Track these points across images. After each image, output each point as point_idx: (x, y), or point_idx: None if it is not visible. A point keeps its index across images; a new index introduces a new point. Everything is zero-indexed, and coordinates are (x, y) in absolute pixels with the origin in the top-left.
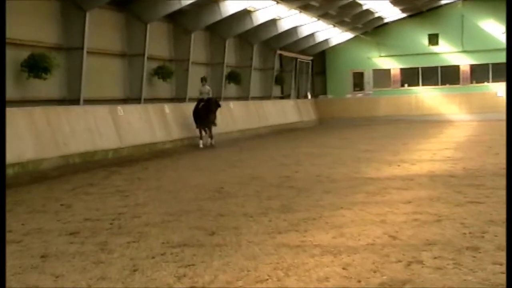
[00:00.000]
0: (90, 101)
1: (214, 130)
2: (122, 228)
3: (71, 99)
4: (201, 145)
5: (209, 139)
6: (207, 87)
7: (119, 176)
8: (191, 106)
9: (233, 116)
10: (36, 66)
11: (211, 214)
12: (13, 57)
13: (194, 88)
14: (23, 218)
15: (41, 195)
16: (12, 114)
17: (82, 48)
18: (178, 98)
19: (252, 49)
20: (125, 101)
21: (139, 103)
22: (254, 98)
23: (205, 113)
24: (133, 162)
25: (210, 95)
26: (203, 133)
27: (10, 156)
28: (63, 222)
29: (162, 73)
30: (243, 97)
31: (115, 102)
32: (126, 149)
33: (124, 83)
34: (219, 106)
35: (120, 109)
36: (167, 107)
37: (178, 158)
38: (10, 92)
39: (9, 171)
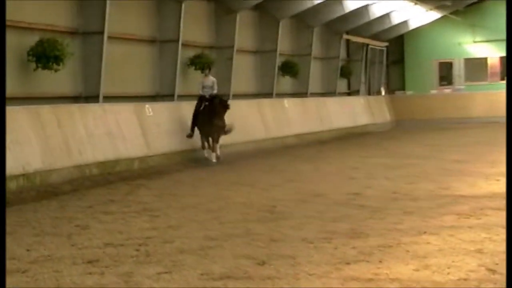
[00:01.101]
0: (110, 98)
1: (226, 139)
2: (150, 256)
3: (88, 96)
4: (211, 158)
5: (212, 153)
6: (211, 79)
7: (146, 191)
8: (237, 103)
9: (288, 117)
10: (45, 55)
11: (262, 239)
12: (18, 43)
13: (239, 81)
14: (29, 243)
15: (51, 215)
16: (15, 114)
17: (102, 33)
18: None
19: (311, 33)
20: (154, 98)
21: (172, 100)
22: (314, 94)
23: (208, 117)
24: (163, 174)
25: (215, 91)
26: (206, 144)
27: (13, 166)
28: (78, 248)
29: (199, 63)
30: (301, 93)
31: (141, 100)
32: (155, 158)
33: (154, 76)
34: (226, 107)
35: (148, 108)
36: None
37: (220, 169)
38: (13, 87)
39: (12, 185)
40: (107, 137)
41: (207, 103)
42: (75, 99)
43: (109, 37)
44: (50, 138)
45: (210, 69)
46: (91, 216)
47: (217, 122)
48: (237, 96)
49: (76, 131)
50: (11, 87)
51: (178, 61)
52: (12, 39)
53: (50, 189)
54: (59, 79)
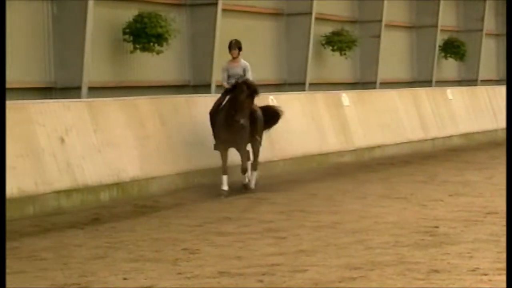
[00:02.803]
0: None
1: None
2: None
3: (197, 84)
4: (224, 187)
5: (245, 176)
6: (242, 64)
7: (269, 206)
8: (385, 94)
9: (452, 111)
10: (145, 33)
11: (419, 269)
12: (111, 19)
13: (388, 65)
14: (126, 270)
15: (152, 235)
16: (106, 108)
17: (215, 4)
18: (364, 83)
19: (483, 3)
20: (279, 86)
21: (302, 89)
22: (485, 82)
23: (226, 115)
24: (292, 184)
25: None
26: (227, 160)
27: (105, 174)
28: (187, 277)
29: (338, 42)
30: (469, 80)
31: (264, 89)
32: (280, 163)
33: (279, 59)
34: (254, 93)
35: (273, 99)
36: (346, 97)
37: (366, 179)
38: (104, 74)
39: (103, 197)
40: None
41: (230, 97)
42: (181, 88)
43: (224, 10)
44: (149, 138)
45: (240, 49)
46: (202, 237)
47: (239, 120)
48: (386, 84)
49: (182, 129)
50: (102, 74)
51: (311, 40)
52: (104, 14)
53: (149, 203)
54: (162, 64)
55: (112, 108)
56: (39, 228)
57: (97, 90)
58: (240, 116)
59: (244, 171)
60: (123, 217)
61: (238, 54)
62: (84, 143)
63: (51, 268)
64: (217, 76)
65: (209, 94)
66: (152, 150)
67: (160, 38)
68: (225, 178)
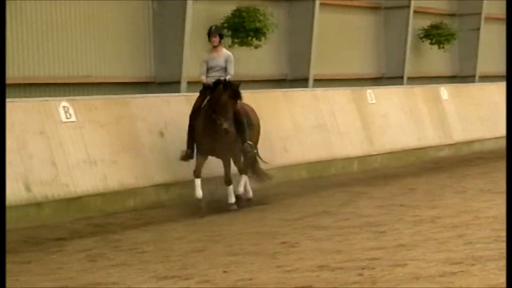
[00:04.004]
0: (322, 82)
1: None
2: (377, 282)
3: (294, 79)
4: (198, 194)
5: (240, 188)
6: (224, 54)
7: (368, 200)
8: (484, 87)
9: None
10: (243, 27)
11: None
12: (211, 14)
13: (488, 59)
14: (225, 263)
15: (250, 229)
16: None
17: None
18: (463, 76)
19: None
20: (377, 81)
21: (400, 83)
22: None
23: (205, 120)
24: (390, 179)
25: (229, 75)
26: (203, 164)
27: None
28: (286, 270)
29: (436, 35)
30: None
31: (362, 83)
32: (378, 158)
33: (377, 53)
34: (237, 97)
35: (371, 93)
36: (445, 91)
37: (466, 173)
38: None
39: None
40: (318, 131)
41: (211, 96)
42: (279, 82)
43: (322, 4)
44: None
45: (221, 36)
46: (300, 231)
47: (222, 124)
48: (486, 78)
49: (280, 123)
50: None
51: (409, 34)
52: (202, 10)
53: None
54: (260, 58)
55: None
56: (139, 221)
57: (196, 84)
58: (223, 119)
59: (228, 182)
60: (222, 211)
61: (219, 42)
62: (183, 137)
63: (152, 261)
64: (315, 70)
65: (307, 88)
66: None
67: (258, 33)
68: (198, 182)
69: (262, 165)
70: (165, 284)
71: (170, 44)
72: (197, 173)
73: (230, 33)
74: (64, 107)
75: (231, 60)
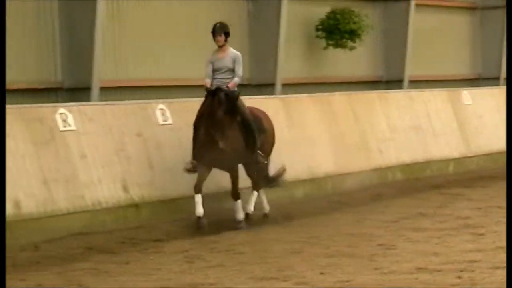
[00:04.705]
0: (418, 83)
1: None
2: (476, 284)
3: (390, 80)
4: (198, 212)
5: (249, 206)
6: (231, 54)
7: (465, 202)
8: None
9: None
10: (338, 29)
11: None
12: (305, 16)
13: None
14: (322, 265)
15: (347, 230)
16: (301, 104)
17: None
18: None
19: None
20: (473, 81)
21: (497, 84)
22: None
23: (205, 132)
24: (487, 180)
25: (237, 78)
26: (205, 177)
27: (299, 169)
28: (384, 273)
29: None
30: None
31: (457, 84)
32: (475, 159)
33: (473, 53)
34: (234, 110)
35: (466, 94)
36: None
37: None
38: (299, 70)
39: (298, 192)
40: (414, 133)
41: (211, 101)
42: (374, 84)
43: (417, 5)
44: (344, 134)
45: (227, 35)
46: (397, 233)
47: (218, 142)
48: None
49: (375, 125)
50: (296, 70)
51: (505, 33)
52: (297, 12)
53: (343, 199)
54: (355, 60)
55: (306, 104)
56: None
57: (291, 87)
58: (219, 137)
59: (235, 196)
60: (317, 213)
61: (225, 41)
62: (278, 139)
63: (249, 262)
64: (410, 71)
65: (402, 90)
66: (346, 146)
67: (353, 34)
68: (199, 198)
69: (272, 172)
70: (263, 285)
71: (265, 46)
72: (197, 188)
73: (324, 35)
74: (161, 109)
75: (239, 60)
